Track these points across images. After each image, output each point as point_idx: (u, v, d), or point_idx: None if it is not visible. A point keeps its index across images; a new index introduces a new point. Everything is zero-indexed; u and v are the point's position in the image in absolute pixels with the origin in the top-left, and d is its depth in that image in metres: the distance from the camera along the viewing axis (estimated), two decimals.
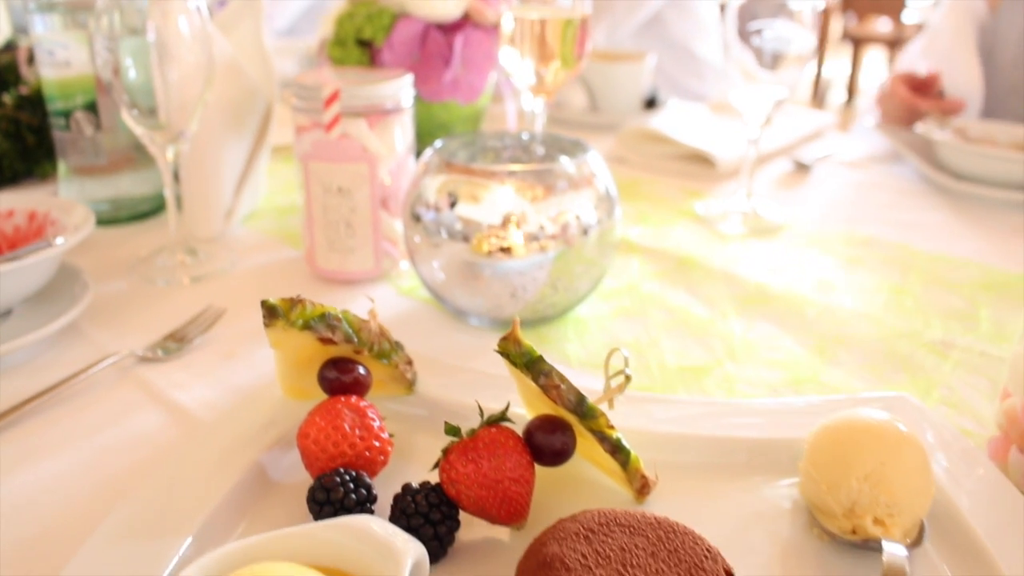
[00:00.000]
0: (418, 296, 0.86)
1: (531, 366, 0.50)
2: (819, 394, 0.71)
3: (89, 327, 0.78)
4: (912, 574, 0.50)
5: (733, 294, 0.88)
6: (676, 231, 1.05)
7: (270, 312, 0.54)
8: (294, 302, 0.54)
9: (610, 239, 0.78)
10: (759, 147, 1.10)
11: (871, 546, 0.50)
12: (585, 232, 0.75)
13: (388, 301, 0.85)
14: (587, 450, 0.54)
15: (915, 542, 0.52)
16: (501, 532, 0.53)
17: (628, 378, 0.54)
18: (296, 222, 1.05)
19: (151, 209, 1.06)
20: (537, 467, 0.53)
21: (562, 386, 0.50)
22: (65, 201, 0.85)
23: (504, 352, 0.51)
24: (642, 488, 0.53)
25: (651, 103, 1.58)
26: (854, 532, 0.51)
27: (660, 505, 0.55)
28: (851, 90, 5.29)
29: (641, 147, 1.34)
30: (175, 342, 0.75)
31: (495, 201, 0.74)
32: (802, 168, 1.32)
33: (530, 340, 0.70)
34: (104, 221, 1.02)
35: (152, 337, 0.76)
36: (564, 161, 0.76)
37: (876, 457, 0.51)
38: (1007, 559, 0.49)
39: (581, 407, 0.50)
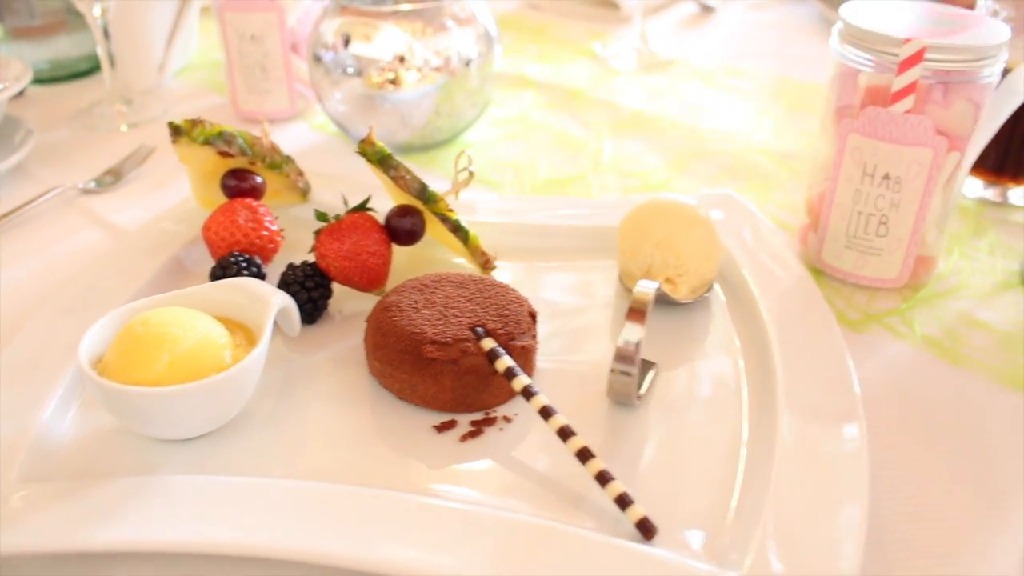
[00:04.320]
0: (327, 131, 0.96)
1: (382, 161, 0.62)
2: None
3: (35, 168, 0.89)
4: (699, 318, 0.64)
5: (611, 119, 0.99)
6: (572, 68, 1.15)
7: (175, 131, 0.65)
8: (195, 122, 0.65)
9: (490, 71, 0.88)
10: None
11: (665, 300, 0.63)
12: (467, 64, 0.86)
13: (303, 136, 0.95)
14: (440, 235, 0.66)
15: (701, 296, 0.65)
16: (365, 307, 0.65)
17: (471, 174, 0.66)
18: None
19: (89, 68, 1.14)
20: (399, 250, 0.65)
21: (407, 176, 0.62)
22: (2, 58, 0.94)
23: (363, 152, 0.62)
24: (485, 264, 0.66)
25: None
26: None
27: (500, 278, 0.67)
28: None
29: None
30: (111, 176, 0.86)
31: (385, 39, 0.84)
32: (706, 10, 1.40)
33: (422, 162, 0.83)
34: (44, 80, 1.11)
35: (93, 174, 0.87)
36: (447, 2, 0.85)
37: (666, 227, 0.63)
38: (770, 309, 0.62)
39: (423, 193, 0.62)
